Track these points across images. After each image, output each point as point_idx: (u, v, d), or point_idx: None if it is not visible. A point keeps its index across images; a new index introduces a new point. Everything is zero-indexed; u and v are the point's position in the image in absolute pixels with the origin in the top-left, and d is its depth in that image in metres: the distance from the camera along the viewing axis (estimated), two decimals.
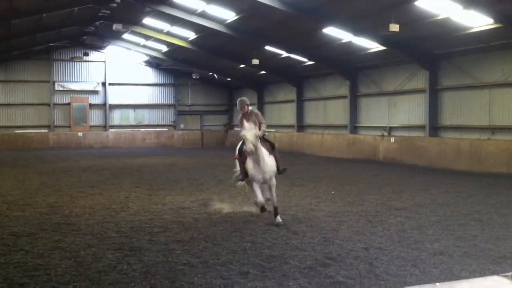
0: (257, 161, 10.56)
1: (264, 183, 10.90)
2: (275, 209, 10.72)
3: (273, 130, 37.54)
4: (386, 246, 8.62)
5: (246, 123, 10.55)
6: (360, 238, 9.20)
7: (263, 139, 10.97)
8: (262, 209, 10.95)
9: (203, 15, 25.75)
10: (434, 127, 23.87)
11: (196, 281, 6.93)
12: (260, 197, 10.63)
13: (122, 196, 14.48)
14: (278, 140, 34.72)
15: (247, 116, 11.00)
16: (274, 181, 10.88)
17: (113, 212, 12.11)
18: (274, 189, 10.87)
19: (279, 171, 11.13)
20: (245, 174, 11.04)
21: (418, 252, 8.21)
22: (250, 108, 11.18)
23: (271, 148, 11.10)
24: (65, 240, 9.33)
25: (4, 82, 39.51)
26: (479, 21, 18.85)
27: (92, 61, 42.11)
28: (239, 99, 11.27)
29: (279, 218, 10.50)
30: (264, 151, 10.68)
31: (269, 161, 10.73)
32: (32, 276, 7.24)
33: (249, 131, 10.38)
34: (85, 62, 41.90)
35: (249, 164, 10.72)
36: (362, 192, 14.98)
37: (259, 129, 10.76)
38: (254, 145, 10.25)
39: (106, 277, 7.17)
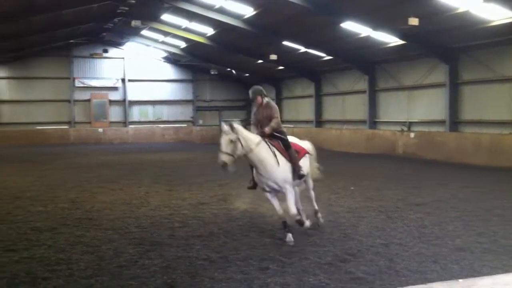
0: (255, 165, 8.66)
1: (276, 190, 8.88)
2: (283, 223, 8.84)
3: (291, 125, 37.50)
4: (406, 242, 8.58)
5: (224, 125, 8.46)
6: (380, 234, 9.16)
7: (273, 136, 8.93)
8: (299, 222, 8.99)
9: (221, 10, 25.79)
10: (454, 122, 23.65)
11: (216, 276, 6.97)
12: (278, 209, 8.89)
13: (142, 192, 14.59)
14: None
15: (261, 109, 9.19)
16: (288, 188, 8.68)
17: (133, 207, 12.22)
18: (288, 197, 8.68)
19: (296, 174, 8.91)
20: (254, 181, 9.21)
21: (439, 248, 8.15)
22: (266, 99, 9.24)
23: (284, 148, 8.87)
24: (87, 235, 9.45)
25: (24, 79, 39.96)
26: (499, 14, 18.61)
27: (111, 58, 42.41)
28: (252, 88, 9.38)
29: (289, 237, 8.54)
30: (265, 153, 8.58)
31: (274, 164, 8.56)
32: (55, 270, 7.35)
33: (224, 136, 8.36)
34: (104, 59, 42.22)
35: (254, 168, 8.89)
36: (381, 188, 14.90)
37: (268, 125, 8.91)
38: (229, 155, 8.27)
39: (127, 271, 7.25)
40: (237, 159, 8.48)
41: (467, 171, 18.84)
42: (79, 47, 41.12)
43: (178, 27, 31.81)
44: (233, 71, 41.52)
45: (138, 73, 42.95)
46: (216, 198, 13.28)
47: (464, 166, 20.31)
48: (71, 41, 38.77)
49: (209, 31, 30.73)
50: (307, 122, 36.62)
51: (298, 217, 8.96)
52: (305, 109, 37.12)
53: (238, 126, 8.52)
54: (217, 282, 6.75)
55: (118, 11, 29.91)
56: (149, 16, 30.33)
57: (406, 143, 25.68)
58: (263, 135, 8.83)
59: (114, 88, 42.48)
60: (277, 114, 9.11)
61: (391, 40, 24.17)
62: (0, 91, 39.57)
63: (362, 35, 24.36)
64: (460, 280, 3.21)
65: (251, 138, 8.66)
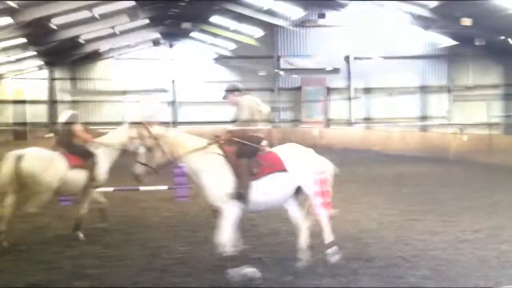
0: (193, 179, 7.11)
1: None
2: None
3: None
4: (462, 246, 8.32)
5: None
6: (434, 238, 8.90)
7: (234, 142, 7.07)
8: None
9: (270, 12, 25.92)
10: (510, 124, 22.94)
11: (266, 276, 6.92)
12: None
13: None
14: (341, 137, 34.31)
15: (235, 110, 7.37)
16: (226, 209, 6.80)
17: (175, 205, 12.35)
18: (223, 222, 6.82)
19: (235, 194, 6.78)
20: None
21: (497, 253, 7.88)
22: (240, 97, 7.30)
23: (237, 157, 6.90)
24: (138, 232, 9.59)
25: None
26: None
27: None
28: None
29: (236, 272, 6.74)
30: (203, 163, 6.85)
31: (209, 177, 6.80)
32: (106, 266, 7.54)
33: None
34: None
35: None
36: (435, 191, 14.50)
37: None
38: (143, 165, 6.88)
39: (178, 269, 7.33)
40: (158, 168, 6.98)
41: None
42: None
43: (227, 29, 32.05)
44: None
45: (190, 74, 42.66)
46: None
47: None
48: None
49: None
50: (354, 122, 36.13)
51: (228, 251, 6.84)
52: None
53: (160, 129, 7.05)
54: (267, 281, 6.73)
55: (169, 13, 30.36)
56: (199, 18, 30.62)
57: (459, 146, 25.01)
58: (217, 141, 7.04)
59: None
60: (245, 114, 7.09)
61: (442, 40, 23.69)
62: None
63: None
64: None
65: (184, 142, 6.97)
